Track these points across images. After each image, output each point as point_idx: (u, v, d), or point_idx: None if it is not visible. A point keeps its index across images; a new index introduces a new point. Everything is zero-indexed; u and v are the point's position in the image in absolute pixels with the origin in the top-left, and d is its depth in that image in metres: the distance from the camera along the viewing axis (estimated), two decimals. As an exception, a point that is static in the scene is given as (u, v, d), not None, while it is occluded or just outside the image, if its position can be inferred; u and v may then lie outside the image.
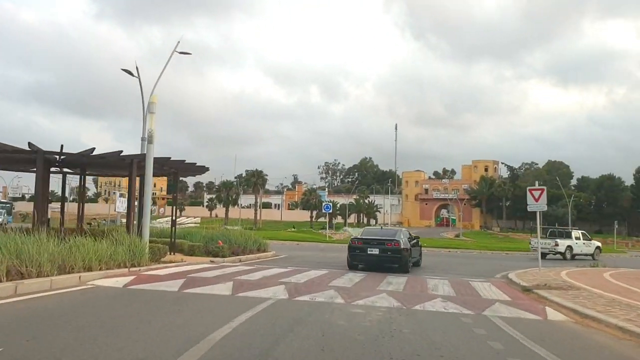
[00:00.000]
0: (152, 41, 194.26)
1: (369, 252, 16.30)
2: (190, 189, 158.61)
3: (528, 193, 17.22)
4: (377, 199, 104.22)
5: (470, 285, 12.80)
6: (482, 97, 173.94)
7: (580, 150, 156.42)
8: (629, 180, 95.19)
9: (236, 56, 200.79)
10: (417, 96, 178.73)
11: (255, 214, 78.48)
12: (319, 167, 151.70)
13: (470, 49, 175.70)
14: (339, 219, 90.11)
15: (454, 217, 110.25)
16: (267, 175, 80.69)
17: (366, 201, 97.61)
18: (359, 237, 17.43)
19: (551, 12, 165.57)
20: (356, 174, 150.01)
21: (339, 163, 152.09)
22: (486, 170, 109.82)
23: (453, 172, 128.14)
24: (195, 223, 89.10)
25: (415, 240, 18.71)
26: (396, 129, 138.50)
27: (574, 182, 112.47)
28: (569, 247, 31.46)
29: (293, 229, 61.67)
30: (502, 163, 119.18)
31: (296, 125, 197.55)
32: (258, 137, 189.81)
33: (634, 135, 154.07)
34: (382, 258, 16.25)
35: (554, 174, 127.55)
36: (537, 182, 17.65)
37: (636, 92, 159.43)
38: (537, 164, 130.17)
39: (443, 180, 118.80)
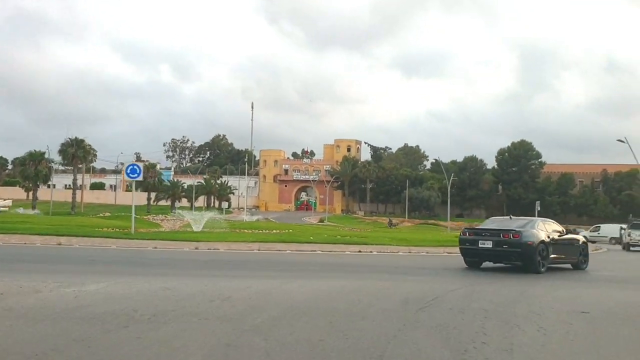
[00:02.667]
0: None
1: (480, 246, 13.00)
2: (10, 166, 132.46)
3: None
4: (231, 180, 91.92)
5: None
6: (333, 86, 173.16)
7: (422, 140, 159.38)
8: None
9: (79, 29, 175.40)
10: (272, 81, 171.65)
11: (74, 195, 61.10)
12: (164, 145, 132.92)
13: (322, 38, 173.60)
14: (185, 202, 76.51)
15: (314, 201, 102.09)
16: (90, 145, 63.34)
17: (218, 182, 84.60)
18: (471, 227, 15.71)
19: (398, 6, 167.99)
20: (208, 152, 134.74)
21: (187, 140, 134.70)
22: (349, 150, 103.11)
23: (313, 153, 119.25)
24: (4, 207, 69.67)
25: (573, 237, 14.88)
26: (252, 107, 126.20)
27: (428, 166, 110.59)
28: None
29: (108, 214, 46.80)
30: (366, 143, 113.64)
31: (146, 105, 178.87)
32: (104, 116, 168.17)
33: (467, 129, 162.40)
34: (496, 253, 12.99)
35: (411, 157, 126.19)
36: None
37: (470, 88, 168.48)
38: (390, 148, 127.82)
39: (304, 160, 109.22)
